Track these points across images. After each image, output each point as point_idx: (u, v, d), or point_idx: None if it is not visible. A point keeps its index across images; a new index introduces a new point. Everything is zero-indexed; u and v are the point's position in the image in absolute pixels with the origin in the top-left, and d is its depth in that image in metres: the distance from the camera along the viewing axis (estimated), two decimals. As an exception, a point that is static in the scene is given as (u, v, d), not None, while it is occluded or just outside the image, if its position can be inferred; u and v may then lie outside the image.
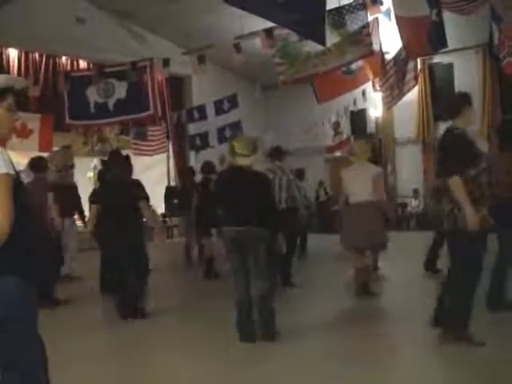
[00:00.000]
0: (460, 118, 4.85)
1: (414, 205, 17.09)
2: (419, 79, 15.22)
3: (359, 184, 7.10)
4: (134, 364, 4.90)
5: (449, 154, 4.77)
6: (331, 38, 9.73)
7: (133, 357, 5.11)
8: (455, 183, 4.56)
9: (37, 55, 15.07)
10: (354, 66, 11.28)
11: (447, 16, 9.57)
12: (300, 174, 11.46)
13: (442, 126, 17.30)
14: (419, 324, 5.47)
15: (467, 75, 16.37)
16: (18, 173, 2.74)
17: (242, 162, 5.24)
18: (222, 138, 12.98)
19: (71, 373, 4.42)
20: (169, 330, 6.14)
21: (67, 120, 11.81)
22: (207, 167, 9.56)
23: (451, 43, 9.50)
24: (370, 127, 18.01)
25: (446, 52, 12.69)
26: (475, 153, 4.70)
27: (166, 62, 11.67)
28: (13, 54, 14.64)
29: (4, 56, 14.46)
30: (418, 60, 14.14)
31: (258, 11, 5.86)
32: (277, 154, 8.15)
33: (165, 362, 4.87)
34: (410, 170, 17.34)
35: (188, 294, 8.42)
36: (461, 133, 4.76)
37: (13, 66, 14.57)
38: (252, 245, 5.14)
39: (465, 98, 5.03)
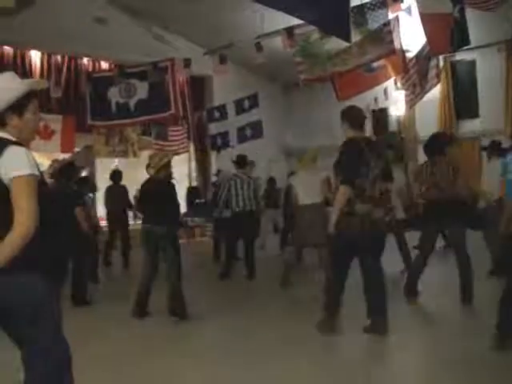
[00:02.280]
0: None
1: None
2: (441, 77, 15.10)
3: (304, 188, 8.18)
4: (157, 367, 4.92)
5: None
6: (353, 37, 9.66)
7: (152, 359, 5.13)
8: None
9: (59, 57, 15.18)
10: (374, 64, 11.16)
11: (470, 13, 9.47)
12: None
13: (465, 124, 17.30)
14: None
15: (490, 72, 16.23)
16: (42, 173, 2.78)
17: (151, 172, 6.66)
18: (242, 138, 12.98)
19: (93, 374, 4.42)
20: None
21: (89, 121, 11.88)
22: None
23: (474, 40, 9.39)
24: (392, 126, 17.88)
25: (468, 49, 12.59)
26: None
27: (187, 62, 11.66)
28: (35, 55, 14.77)
29: (26, 58, 14.59)
30: (440, 57, 14.03)
31: (282, 7, 5.84)
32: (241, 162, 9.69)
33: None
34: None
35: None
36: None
37: (35, 68, 14.69)
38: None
39: None
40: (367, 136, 5.71)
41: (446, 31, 8.54)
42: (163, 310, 6.59)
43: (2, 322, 2.75)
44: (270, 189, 13.71)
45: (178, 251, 6.62)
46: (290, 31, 10.06)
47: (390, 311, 5.48)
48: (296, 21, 8.72)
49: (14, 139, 2.73)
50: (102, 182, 13.14)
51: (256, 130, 12.68)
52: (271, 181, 13.94)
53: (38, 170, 2.73)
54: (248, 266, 9.36)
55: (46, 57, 14.90)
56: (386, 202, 5.57)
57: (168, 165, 6.72)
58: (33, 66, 14.66)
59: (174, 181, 7.00)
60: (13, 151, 2.63)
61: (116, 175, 11.82)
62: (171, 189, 6.73)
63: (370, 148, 5.34)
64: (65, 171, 7.95)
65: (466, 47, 9.85)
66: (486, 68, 16.42)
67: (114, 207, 11.50)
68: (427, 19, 8.83)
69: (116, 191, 11.55)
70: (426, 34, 9.17)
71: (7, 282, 2.57)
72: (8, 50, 14.20)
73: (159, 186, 6.65)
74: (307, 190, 8.16)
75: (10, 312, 2.67)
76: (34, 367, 2.74)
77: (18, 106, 2.78)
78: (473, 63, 16.71)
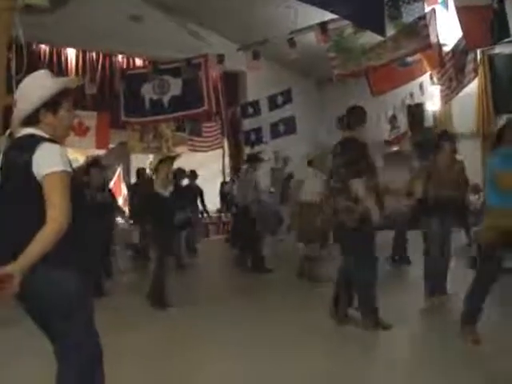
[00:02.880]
0: None
1: (473, 200, 16.57)
2: (479, 71, 14.80)
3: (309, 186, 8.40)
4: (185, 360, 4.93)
5: None
6: (388, 31, 9.51)
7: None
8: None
9: (94, 54, 15.37)
10: (409, 58, 11.00)
11: (510, 4, 9.24)
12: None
13: (504, 119, 16.91)
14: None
15: (529, 66, 15.84)
16: (74, 170, 2.79)
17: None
18: (275, 134, 12.95)
19: (122, 368, 4.45)
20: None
21: (123, 117, 11.99)
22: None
23: (513, 32, 9.17)
24: (428, 121, 17.58)
25: (507, 42, 12.27)
26: None
27: (220, 58, 11.69)
28: (71, 53, 14.97)
29: (62, 55, 14.80)
30: (478, 51, 13.74)
31: (316, 2, 5.81)
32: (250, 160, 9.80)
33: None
34: (470, 165, 16.82)
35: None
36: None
37: (70, 65, 14.90)
38: None
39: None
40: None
41: (484, 24, 8.34)
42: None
43: (36, 317, 2.79)
44: (287, 185, 13.47)
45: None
46: (323, 26, 9.99)
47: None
48: (329, 16, 8.66)
49: (47, 136, 2.75)
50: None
51: (289, 125, 12.65)
52: (289, 177, 13.76)
53: (71, 166, 2.75)
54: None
55: (81, 54, 15.11)
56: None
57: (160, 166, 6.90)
58: (68, 63, 14.88)
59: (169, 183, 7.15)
60: (46, 148, 2.65)
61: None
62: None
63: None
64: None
65: (505, 40, 9.64)
66: (526, 61, 16.04)
67: None
68: (463, 12, 8.62)
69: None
70: (462, 27, 8.96)
71: (41, 276, 2.59)
72: (44, 47, 14.43)
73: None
74: (311, 187, 8.33)
75: (45, 306, 2.70)
76: (67, 360, 2.76)
77: (52, 104, 2.80)
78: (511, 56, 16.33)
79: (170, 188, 7.03)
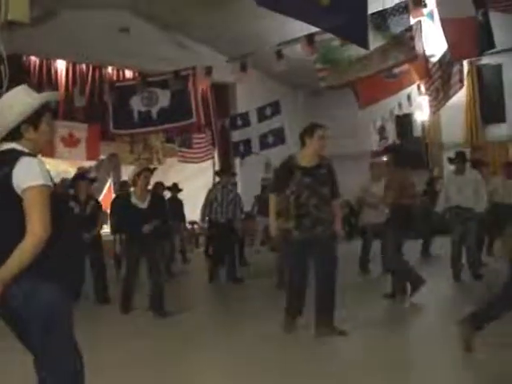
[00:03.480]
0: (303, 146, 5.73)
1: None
2: (467, 81, 14.91)
3: None
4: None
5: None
6: (374, 42, 9.60)
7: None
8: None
9: (84, 66, 15.40)
10: (397, 70, 11.08)
11: (495, 15, 9.34)
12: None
13: (492, 129, 17.04)
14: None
15: (516, 76, 16.00)
16: (54, 183, 2.82)
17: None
18: (264, 145, 12.98)
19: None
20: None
21: (111, 129, 12.03)
22: None
23: (499, 44, 9.27)
24: (417, 131, 17.68)
25: (494, 53, 12.40)
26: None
27: (208, 70, 11.75)
28: (60, 65, 14.99)
29: (52, 67, 14.82)
30: (466, 62, 13.86)
31: (295, 14, 5.86)
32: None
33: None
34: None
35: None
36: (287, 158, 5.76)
37: (61, 77, 14.91)
38: None
39: (305, 130, 5.77)
40: None
41: (468, 36, 8.43)
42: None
43: (16, 329, 2.79)
44: (260, 196, 13.40)
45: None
46: (310, 38, 10.05)
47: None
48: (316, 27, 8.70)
49: (27, 151, 2.77)
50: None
51: (278, 137, 12.66)
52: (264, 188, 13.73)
53: (51, 180, 2.78)
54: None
55: (70, 66, 15.13)
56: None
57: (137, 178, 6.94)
58: (58, 75, 14.89)
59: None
60: (25, 162, 2.68)
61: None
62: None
63: None
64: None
65: (491, 51, 9.75)
66: (513, 71, 16.20)
67: None
68: (448, 24, 8.72)
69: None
70: (446, 39, 9.06)
71: (21, 290, 2.60)
72: (34, 59, 14.45)
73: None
74: None
75: (25, 319, 2.71)
76: (47, 374, 2.77)
77: (33, 119, 2.82)
78: (499, 67, 16.46)
79: (147, 200, 7.06)
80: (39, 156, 2.85)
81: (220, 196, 9.78)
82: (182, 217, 12.31)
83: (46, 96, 2.98)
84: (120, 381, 4.60)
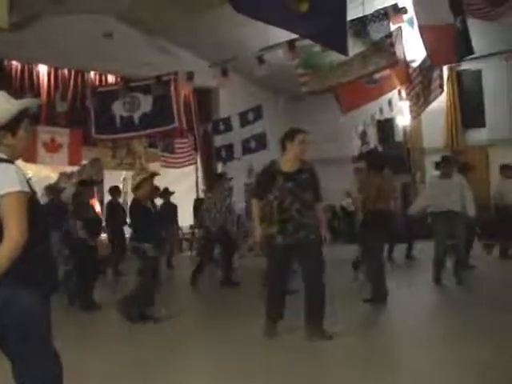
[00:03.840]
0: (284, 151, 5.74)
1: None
2: (447, 87, 15.08)
3: None
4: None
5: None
6: (354, 48, 9.70)
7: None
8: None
9: (66, 71, 15.34)
10: (377, 75, 11.19)
11: (474, 22, 9.48)
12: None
13: (472, 133, 17.18)
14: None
15: (496, 82, 16.20)
16: (32, 189, 2.83)
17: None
18: (246, 150, 13.02)
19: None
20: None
21: (93, 134, 11.99)
22: None
23: (479, 49, 9.41)
24: (398, 136, 17.83)
25: (474, 58, 12.56)
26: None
27: (190, 75, 11.75)
28: (42, 70, 14.93)
29: (34, 72, 14.76)
30: (446, 67, 14.02)
31: (274, 21, 5.90)
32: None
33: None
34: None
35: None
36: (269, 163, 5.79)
37: (42, 82, 14.86)
38: None
39: (286, 135, 5.77)
40: None
41: (447, 42, 8.57)
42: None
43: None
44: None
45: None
46: (291, 44, 10.11)
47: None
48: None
49: (4, 157, 2.78)
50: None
51: (260, 142, 12.71)
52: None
53: (29, 186, 2.78)
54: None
55: (52, 71, 15.07)
56: None
57: (142, 184, 6.83)
58: (40, 80, 14.83)
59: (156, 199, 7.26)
60: (2, 168, 2.68)
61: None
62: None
63: None
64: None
65: (471, 57, 9.88)
66: (492, 77, 16.39)
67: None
68: (427, 31, 8.86)
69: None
70: (425, 46, 9.20)
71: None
72: (16, 64, 14.39)
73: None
74: None
75: (3, 327, 2.70)
76: (26, 380, 2.77)
77: (11, 125, 2.83)
78: (478, 73, 16.67)
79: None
80: (17, 162, 2.86)
81: (219, 203, 9.75)
82: (176, 221, 12.32)
83: (24, 102, 2.99)
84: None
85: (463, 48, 8.87)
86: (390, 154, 15.62)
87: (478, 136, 16.79)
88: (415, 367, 4.73)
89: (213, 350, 5.58)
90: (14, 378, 2.80)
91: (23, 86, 14.25)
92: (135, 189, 6.87)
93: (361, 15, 10.18)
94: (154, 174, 7.30)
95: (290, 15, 5.67)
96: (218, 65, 12.05)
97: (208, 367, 5.19)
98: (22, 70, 14.52)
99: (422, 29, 8.98)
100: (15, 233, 2.61)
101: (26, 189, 2.73)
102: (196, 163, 16.41)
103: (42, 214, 2.95)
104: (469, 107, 16.79)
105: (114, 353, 5.62)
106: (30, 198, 2.77)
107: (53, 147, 13.59)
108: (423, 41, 9.05)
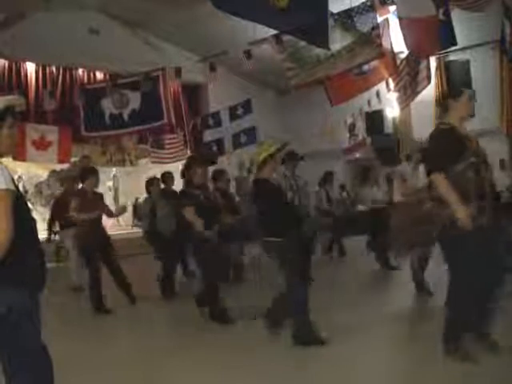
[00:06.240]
0: (448, 113, 4.64)
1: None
2: (435, 77, 15.11)
3: None
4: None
5: (430, 150, 4.61)
6: (341, 41, 9.72)
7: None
8: (438, 180, 4.31)
9: (54, 68, 15.29)
10: (366, 67, 11.20)
11: (461, 13, 9.49)
12: (327, 177, 11.74)
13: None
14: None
15: (484, 72, 16.24)
16: (18, 188, 2.84)
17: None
18: (236, 144, 13.00)
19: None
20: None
21: (83, 132, 11.92)
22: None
23: (467, 40, 9.42)
24: (388, 127, 17.88)
25: (461, 49, 12.61)
26: (461, 148, 4.39)
27: (177, 71, 11.70)
28: (30, 67, 14.88)
29: (22, 70, 14.71)
30: (434, 58, 14.04)
31: (252, 17, 5.88)
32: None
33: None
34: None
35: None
36: (447, 128, 4.55)
37: (30, 80, 14.81)
38: None
39: (450, 93, 4.96)
40: None
41: (429, 34, 8.59)
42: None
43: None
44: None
45: None
46: (278, 38, 10.11)
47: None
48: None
49: (-11, 155, 2.79)
50: (101, 190, 13.19)
51: (250, 136, 12.67)
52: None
53: (14, 184, 2.79)
54: None
55: (40, 69, 15.01)
56: None
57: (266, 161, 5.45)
58: (28, 78, 14.77)
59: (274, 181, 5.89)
60: (-13, 167, 2.69)
61: None
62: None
63: None
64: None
65: (459, 47, 9.90)
66: (480, 68, 16.44)
67: None
68: (409, 23, 8.88)
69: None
70: (405, 38, 9.21)
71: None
72: (3, 62, 14.33)
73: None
74: None
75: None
76: (15, 380, 2.80)
77: (-6, 123, 2.84)
78: (467, 63, 16.74)
79: None
80: (5, 160, 2.87)
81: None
82: None
83: (8, 100, 2.99)
84: None
85: (446, 39, 8.89)
86: (379, 146, 15.71)
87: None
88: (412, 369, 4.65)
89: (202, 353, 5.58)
90: (3, 374, 2.83)
91: (11, 84, 14.21)
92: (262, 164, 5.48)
93: (347, 7, 10.18)
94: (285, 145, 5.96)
95: (267, 10, 5.65)
96: (206, 59, 12.04)
97: (196, 370, 5.18)
98: (10, 68, 14.47)
99: (403, 21, 9.01)
100: (0, 231, 2.62)
101: (12, 187, 2.74)
102: (186, 158, 16.38)
103: (29, 212, 2.96)
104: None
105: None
106: (16, 196, 2.78)
107: (42, 145, 13.51)
108: (403, 35, 9.07)
